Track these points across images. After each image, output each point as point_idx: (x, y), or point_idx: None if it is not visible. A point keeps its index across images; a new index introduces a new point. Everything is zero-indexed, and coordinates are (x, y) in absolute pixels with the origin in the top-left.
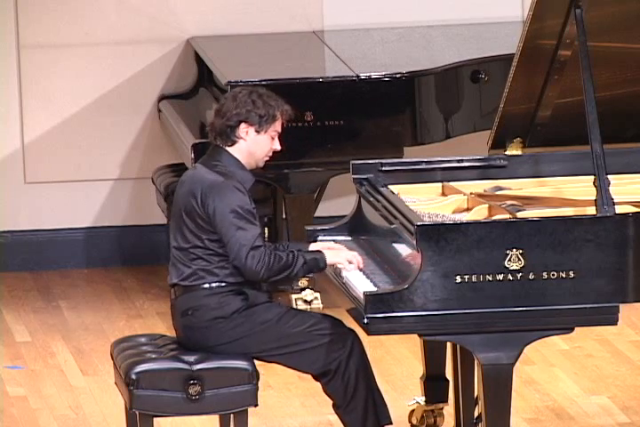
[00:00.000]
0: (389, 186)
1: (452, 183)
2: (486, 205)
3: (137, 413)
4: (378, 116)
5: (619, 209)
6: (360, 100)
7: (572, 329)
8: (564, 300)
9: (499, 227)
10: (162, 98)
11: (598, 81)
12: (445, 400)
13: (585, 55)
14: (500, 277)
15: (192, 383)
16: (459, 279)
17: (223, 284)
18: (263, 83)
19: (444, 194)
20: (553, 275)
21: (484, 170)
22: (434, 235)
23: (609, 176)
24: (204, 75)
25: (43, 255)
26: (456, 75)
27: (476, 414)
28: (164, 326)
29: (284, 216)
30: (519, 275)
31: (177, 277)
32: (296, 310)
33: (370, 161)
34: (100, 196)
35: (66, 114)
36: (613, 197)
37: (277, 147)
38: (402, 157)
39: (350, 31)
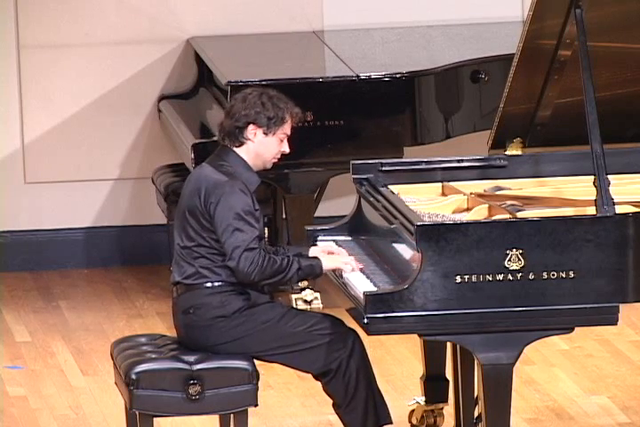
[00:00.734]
0: (389, 186)
1: (452, 183)
2: (486, 205)
3: (137, 413)
4: (378, 116)
5: (619, 209)
6: (360, 100)
7: (572, 329)
8: (564, 300)
9: (499, 227)
10: (162, 98)
11: (598, 81)
12: (445, 400)
13: (585, 55)
14: (500, 277)
15: (192, 383)
16: (459, 279)
17: (225, 283)
18: (263, 83)
19: (444, 194)
20: (553, 275)
21: (483, 170)
22: (434, 235)
23: (609, 176)
24: (204, 75)
25: (43, 255)
26: (456, 75)
27: (476, 414)
28: (163, 326)
29: (284, 216)
30: (519, 275)
31: (180, 275)
32: (297, 310)
33: (370, 161)
34: (100, 196)
35: (66, 114)
36: (613, 197)
37: (286, 149)
38: (402, 157)
39: (350, 31)
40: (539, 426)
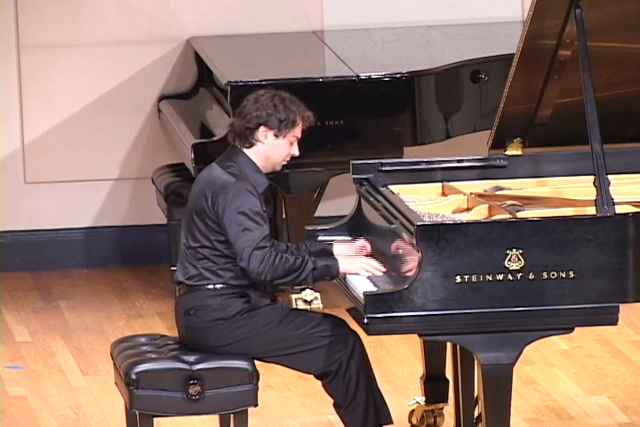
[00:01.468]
0: (389, 186)
1: (452, 183)
2: (486, 205)
3: (137, 413)
4: (378, 116)
5: (619, 209)
6: (360, 100)
7: (572, 329)
8: (564, 300)
9: (499, 227)
10: (162, 98)
11: (598, 81)
12: (445, 400)
13: (585, 55)
14: (500, 277)
15: (192, 383)
16: (459, 279)
17: (227, 286)
18: (263, 83)
19: (444, 194)
20: (553, 275)
21: (483, 170)
22: (434, 235)
23: (609, 176)
24: (204, 75)
25: (43, 255)
26: (456, 75)
27: (476, 414)
28: (164, 326)
29: (284, 216)
30: (519, 275)
31: (183, 275)
32: (297, 311)
33: (370, 161)
34: (100, 196)
35: (66, 114)
36: (613, 197)
37: (296, 152)
38: (402, 157)
39: (350, 31)
40: (539, 426)
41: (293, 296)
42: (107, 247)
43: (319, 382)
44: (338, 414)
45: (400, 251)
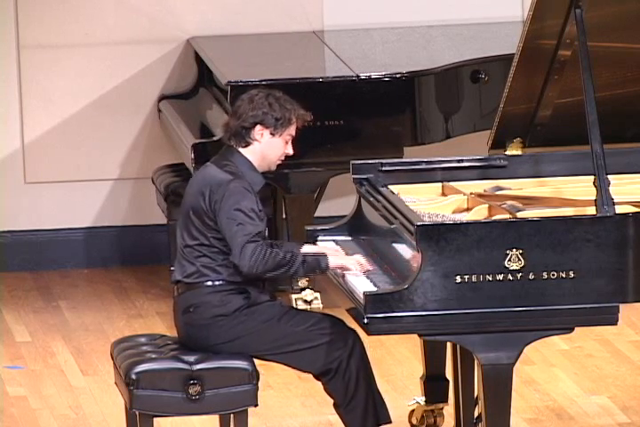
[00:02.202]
0: (389, 186)
1: (452, 183)
2: (486, 205)
3: (137, 413)
4: (378, 116)
5: (619, 209)
6: (360, 100)
7: (572, 329)
8: (564, 300)
9: (499, 227)
10: (162, 98)
11: (598, 81)
12: (445, 400)
13: (585, 55)
14: (500, 277)
15: (192, 383)
16: (459, 279)
17: (226, 282)
18: (263, 83)
19: (444, 194)
20: (553, 275)
21: (483, 170)
22: (434, 235)
23: (609, 176)
24: (204, 75)
25: (43, 255)
26: (456, 75)
27: (476, 414)
28: (164, 326)
29: (284, 216)
30: (519, 275)
31: (181, 274)
32: (297, 309)
33: (370, 161)
34: (100, 196)
35: (66, 114)
36: (613, 197)
37: (290, 151)
38: (402, 157)
39: (350, 31)
40: (539, 426)
41: (293, 296)
42: (107, 247)
43: (319, 383)
44: (338, 414)
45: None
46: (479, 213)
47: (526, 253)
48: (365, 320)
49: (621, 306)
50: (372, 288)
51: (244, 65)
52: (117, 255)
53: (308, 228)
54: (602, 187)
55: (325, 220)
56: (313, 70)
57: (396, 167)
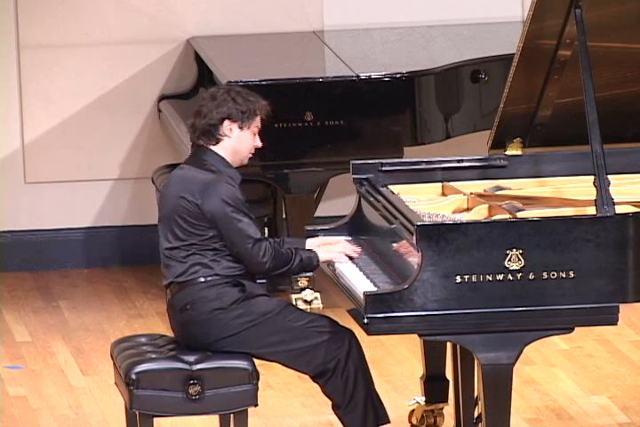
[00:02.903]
0: (389, 186)
1: (452, 183)
2: (486, 205)
3: (137, 413)
4: (378, 116)
5: (619, 209)
6: (360, 100)
7: (572, 329)
8: (564, 300)
9: (499, 227)
10: (162, 98)
11: (598, 81)
12: (445, 400)
13: (585, 55)
14: (500, 277)
15: (192, 383)
16: (459, 279)
17: (219, 276)
18: (263, 83)
19: (444, 194)
20: (553, 275)
21: (483, 170)
22: (434, 235)
23: (609, 176)
24: (204, 75)
25: (43, 255)
26: (456, 75)
27: (476, 414)
28: (163, 326)
29: (284, 216)
30: (519, 275)
31: (171, 275)
32: (294, 306)
33: (370, 161)
34: (100, 196)
35: (66, 114)
36: (613, 197)
37: (259, 143)
38: (402, 157)
39: (350, 31)
40: (539, 426)
41: (293, 296)
42: (107, 247)
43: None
44: (337, 415)
45: (402, 252)
46: (479, 213)
47: (526, 253)
48: (365, 320)
49: (621, 306)
50: (372, 288)
51: (243, 65)
52: (117, 255)
53: (308, 228)
54: (602, 187)
55: (325, 220)
56: (313, 70)
57: (396, 167)
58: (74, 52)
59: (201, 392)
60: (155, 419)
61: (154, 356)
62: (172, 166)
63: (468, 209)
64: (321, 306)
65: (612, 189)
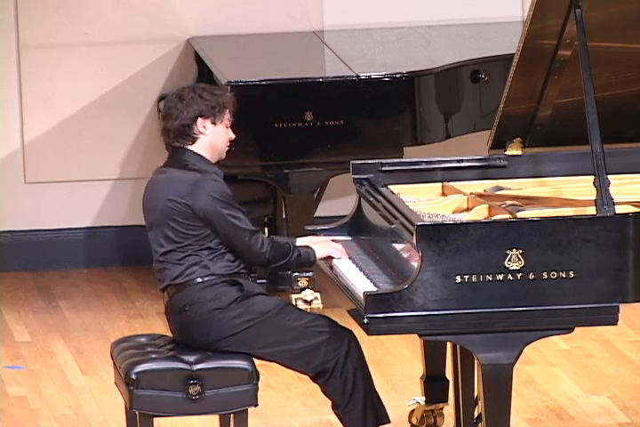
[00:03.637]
0: (389, 186)
1: (452, 183)
2: (486, 205)
3: (137, 413)
4: (378, 116)
5: (619, 209)
6: (360, 100)
7: (572, 329)
8: (564, 300)
9: (499, 227)
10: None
11: (598, 81)
12: (445, 400)
13: (585, 55)
14: (500, 277)
15: (192, 383)
16: (459, 279)
17: (216, 276)
18: (263, 83)
19: (444, 194)
20: (553, 275)
21: (483, 170)
22: (434, 235)
23: (609, 176)
24: (204, 75)
25: (43, 255)
26: (456, 75)
27: (476, 414)
28: (163, 326)
29: (284, 216)
30: (519, 275)
31: (168, 278)
32: (293, 306)
33: (370, 161)
34: (100, 196)
35: (66, 114)
36: (613, 197)
37: (232, 135)
38: (402, 157)
39: (350, 31)
40: (539, 426)
41: (293, 296)
42: (107, 247)
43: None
44: (336, 415)
45: (405, 254)
46: (479, 213)
47: (526, 253)
48: (365, 320)
49: (621, 306)
50: (372, 288)
51: (243, 65)
52: (117, 255)
53: (308, 228)
54: (602, 187)
55: (325, 220)
56: (313, 70)
57: (396, 167)
58: (74, 52)
59: (201, 392)
60: (155, 419)
61: (154, 356)
62: None
63: (468, 209)
64: (321, 306)
65: (612, 189)
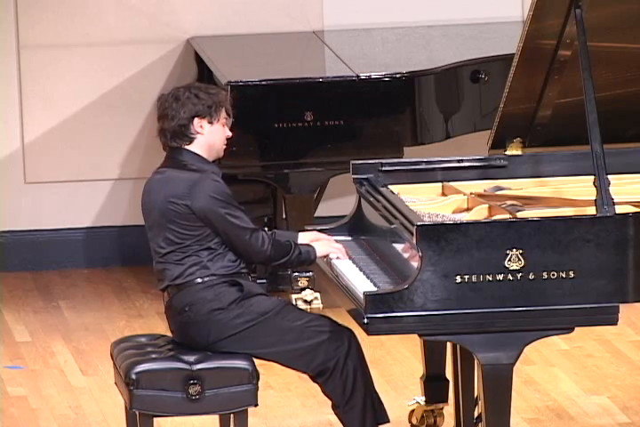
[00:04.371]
0: (389, 186)
1: (452, 183)
2: (486, 205)
3: (137, 413)
4: (378, 116)
5: (619, 209)
6: (360, 100)
7: (572, 329)
8: (564, 300)
9: (499, 227)
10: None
11: (598, 81)
12: (445, 400)
13: (585, 55)
14: (500, 277)
15: (192, 383)
16: (459, 279)
17: (216, 276)
18: (263, 83)
19: (444, 194)
20: (553, 275)
21: (484, 170)
22: (434, 235)
23: (609, 176)
24: (204, 75)
25: (43, 255)
26: (456, 75)
27: (476, 414)
28: (164, 326)
29: (284, 216)
30: (519, 275)
31: (168, 279)
32: (293, 305)
33: (370, 161)
34: (100, 196)
35: (66, 114)
36: (613, 197)
37: (229, 133)
38: (402, 157)
39: (350, 31)
40: (539, 426)
41: (293, 296)
42: (107, 247)
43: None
44: (336, 414)
45: (405, 254)
46: (479, 213)
47: (526, 253)
48: (365, 320)
49: (621, 306)
50: (372, 288)
51: (243, 65)
52: (117, 255)
53: (308, 228)
54: (602, 187)
55: (325, 220)
56: (313, 70)
57: (396, 167)
58: (74, 52)
59: (201, 392)
60: (155, 419)
61: (154, 356)
62: None
63: (468, 209)
64: (321, 306)
65: (612, 189)
